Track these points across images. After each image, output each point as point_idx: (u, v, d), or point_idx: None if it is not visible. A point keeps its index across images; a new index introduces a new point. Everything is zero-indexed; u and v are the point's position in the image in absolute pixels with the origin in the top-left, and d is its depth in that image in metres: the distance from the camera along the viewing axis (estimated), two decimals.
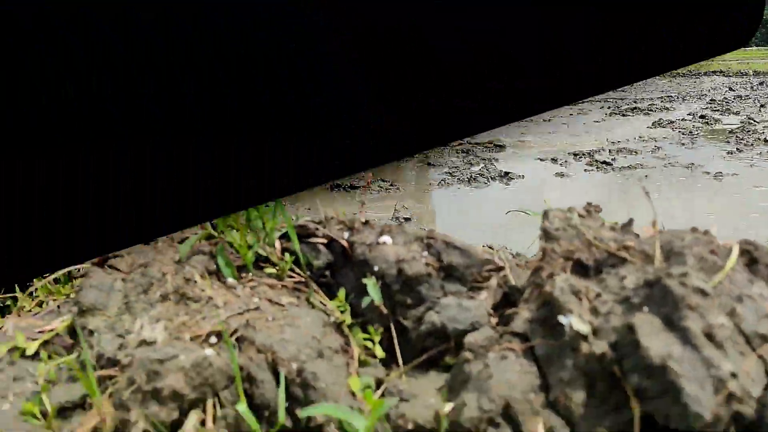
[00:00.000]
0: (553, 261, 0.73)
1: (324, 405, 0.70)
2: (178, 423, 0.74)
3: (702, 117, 8.49)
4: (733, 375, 0.58)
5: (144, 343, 0.78)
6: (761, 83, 14.48)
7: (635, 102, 11.17)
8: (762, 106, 9.70)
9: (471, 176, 4.59)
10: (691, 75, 19.21)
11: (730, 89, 12.85)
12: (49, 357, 0.89)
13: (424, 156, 5.37)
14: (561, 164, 5.05)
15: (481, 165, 4.94)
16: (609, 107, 10.97)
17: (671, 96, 11.95)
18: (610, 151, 5.58)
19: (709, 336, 0.60)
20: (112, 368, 0.80)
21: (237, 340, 0.79)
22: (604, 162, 5.03)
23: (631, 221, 0.79)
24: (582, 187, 4.30)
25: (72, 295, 1.03)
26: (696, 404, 0.57)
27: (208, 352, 0.75)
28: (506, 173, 4.66)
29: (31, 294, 1.13)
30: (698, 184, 4.27)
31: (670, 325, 0.62)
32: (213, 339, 0.79)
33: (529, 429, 0.65)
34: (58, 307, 1.00)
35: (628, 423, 0.63)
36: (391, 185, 4.38)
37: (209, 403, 0.74)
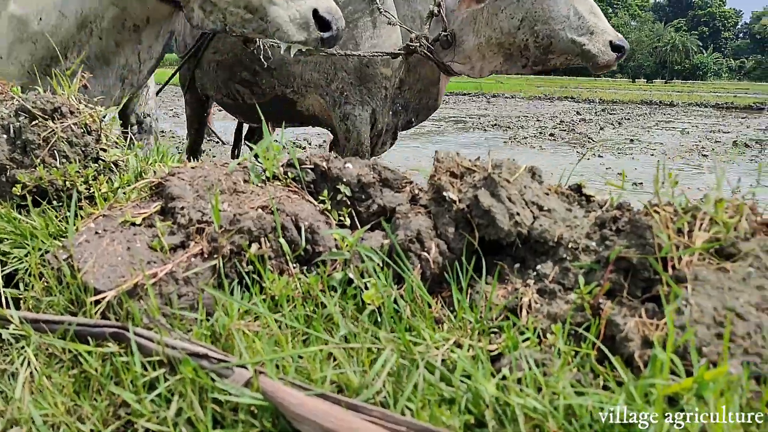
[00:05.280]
0: (440, 173, 1.47)
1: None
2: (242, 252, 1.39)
3: (551, 135, 9.78)
4: (517, 213, 1.34)
5: (222, 210, 1.43)
6: (604, 110, 16.42)
7: (496, 119, 12.46)
8: (601, 128, 11.23)
9: None
10: (545, 98, 21.15)
11: (578, 113, 14.55)
12: (150, 225, 1.51)
13: None
14: None
15: None
16: (472, 124, 12.15)
17: (527, 116, 13.41)
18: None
19: (509, 198, 1.36)
20: (198, 225, 1.44)
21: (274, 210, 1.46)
22: None
23: (478, 158, 1.54)
24: None
25: (147, 198, 1.63)
26: (501, 225, 1.32)
27: (261, 212, 1.42)
28: None
29: (105, 199, 1.72)
30: None
31: (492, 195, 1.36)
32: (259, 210, 1.45)
33: (427, 246, 1.38)
34: (137, 204, 1.61)
35: (471, 243, 1.37)
36: None
37: (262, 239, 1.40)
